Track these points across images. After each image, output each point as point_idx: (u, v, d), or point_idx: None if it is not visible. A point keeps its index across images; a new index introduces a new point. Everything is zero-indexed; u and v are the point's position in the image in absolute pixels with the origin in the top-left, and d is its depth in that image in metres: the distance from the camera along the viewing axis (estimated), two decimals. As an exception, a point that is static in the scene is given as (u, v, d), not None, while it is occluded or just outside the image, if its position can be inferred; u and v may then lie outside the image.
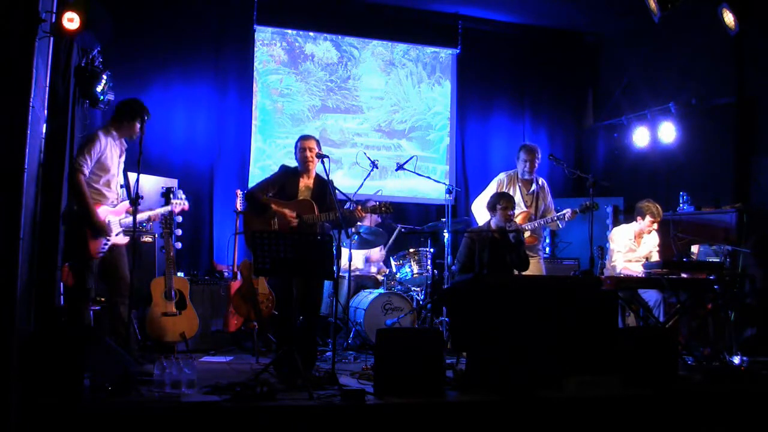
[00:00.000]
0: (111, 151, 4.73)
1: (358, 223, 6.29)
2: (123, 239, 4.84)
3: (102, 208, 4.69)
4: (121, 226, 4.78)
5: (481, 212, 6.04)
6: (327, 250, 4.31)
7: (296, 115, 7.89)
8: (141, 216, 4.97)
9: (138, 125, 4.79)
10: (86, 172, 4.62)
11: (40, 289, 4.09)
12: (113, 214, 4.75)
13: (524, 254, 5.57)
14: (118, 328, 4.70)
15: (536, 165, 6.14)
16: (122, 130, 4.82)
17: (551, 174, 8.36)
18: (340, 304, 5.94)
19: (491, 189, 6.15)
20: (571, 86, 9.02)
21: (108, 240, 4.70)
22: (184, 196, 5.41)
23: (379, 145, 8.10)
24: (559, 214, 5.97)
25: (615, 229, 6.53)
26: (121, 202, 4.88)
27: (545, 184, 6.30)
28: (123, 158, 4.89)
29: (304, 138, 5.08)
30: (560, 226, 6.17)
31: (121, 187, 4.92)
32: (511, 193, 5.99)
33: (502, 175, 6.27)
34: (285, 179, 5.01)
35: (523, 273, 5.73)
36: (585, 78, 9.03)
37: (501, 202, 5.51)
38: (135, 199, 4.47)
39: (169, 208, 5.29)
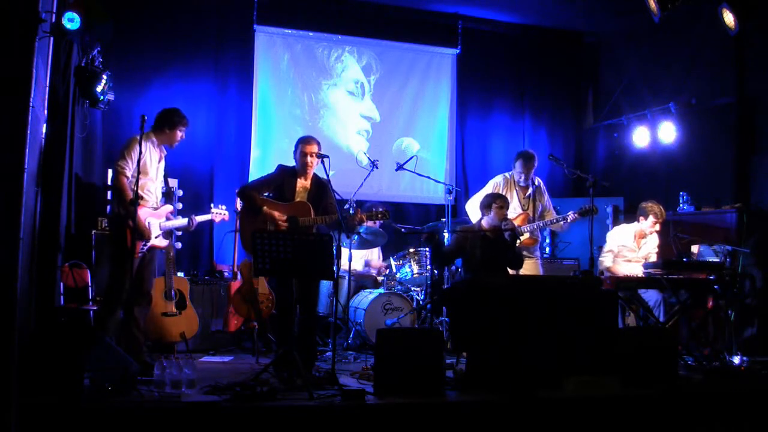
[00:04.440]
0: (150, 155, 4.75)
1: (358, 223, 6.29)
2: (162, 242, 4.88)
3: (143, 210, 4.70)
4: (161, 229, 4.80)
5: (475, 212, 6.05)
6: (327, 251, 4.31)
7: (296, 115, 7.89)
8: (181, 222, 5.05)
9: (179, 134, 4.86)
10: (129, 174, 4.61)
11: (40, 289, 4.09)
12: (154, 216, 4.77)
13: (518, 252, 5.57)
14: (133, 331, 4.68)
15: (532, 173, 6.16)
16: (162, 137, 4.87)
17: (551, 174, 8.37)
18: (340, 304, 5.94)
19: (487, 190, 6.15)
20: (570, 86, 9.02)
21: (147, 241, 4.70)
22: (224, 207, 5.56)
23: (379, 144, 8.10)
24: (560, 216, 5.97)
25: (615, 228, 6.53)
26: (162, 205, 4.89)
27: (541, 184, 6.31)
28: (162, 164, 4.91)
29: (305, 141, 5.00)
30: (563, 228, 6.18)
31: (163, 193, 4.93)
32: (508, 195, 6.01)
33: (499, 178, 6.28)
34: (282, 179, 4.97)
35: (522, 273, 5.74)
36: (585, 78, 9.03)
37: (497, 202, 5.52)
38: (135, 199, 4.46)
39: (209, 216, 5.41)
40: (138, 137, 4.64)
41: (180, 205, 6.04)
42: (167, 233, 5.35)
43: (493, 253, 5.46)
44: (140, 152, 4.53)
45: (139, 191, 4.63)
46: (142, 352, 4.67)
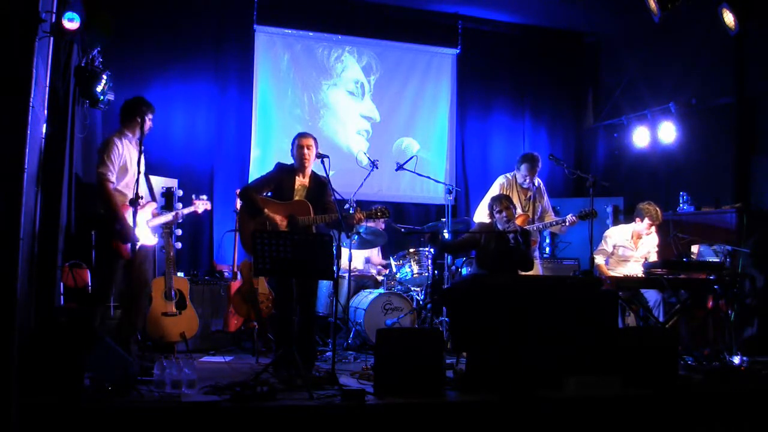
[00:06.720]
0: (129, 153, 4.70)
1: (359, 223, 6.28)
2: (152, 240, 4.84)
3: (130, 211, 4.66)
4: (147, 226, 4.78)
5: (483, 220, 6.03)
6: (327, 250, 4.31)
7: (296, 115, 7.89)
8: (167, 217, 5.01)
9: (148, 120, 4.75)
10: (113, 179, 4.56)
11: (40, 289, 4.08)
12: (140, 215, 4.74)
13: (523, 253, 5.56)
14: (123, 330, 4.68)
15: (536, 175, 6.17)
16: (134, 129, 4.77)
17: (551, 174, 8.37)
18: (340, 304, 5.94)
19: (492, 193, 6.14)
20: (571, 86, 9.03)
21: (136, 243, 4.67)
22: (205, 197, 5.50)
23: (379, 144, 8.10)
24: (559, 219, 5.97)
25: (612, 228, 6.53)
26: (147, 203, 4.86)
27: (541, 185, 6.30)
28: (141, 158, 4.86)
29: (302, 135, 5.03)
30: (562, 231, 6.18)
31: (148, 189, 4.91)
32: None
33: (501, 179, 6.26)
34: (280, 177, 4.97)
35: (522, 273, 5.73)
36: (585, 78, 9.05)
37: (496, 206, 5.52)
38: (135, 199, 4.45)
39: (192, 208, 5.36)
40: (113, 137, 4.63)
41: (180, 205, 6.05)
42: (168, 232, 5.34)
43: (505, 253, 5.44)
44: (140, 149, 4.52)
45: (124, 190, 4.62)
46: (128, 349, 4.64)
